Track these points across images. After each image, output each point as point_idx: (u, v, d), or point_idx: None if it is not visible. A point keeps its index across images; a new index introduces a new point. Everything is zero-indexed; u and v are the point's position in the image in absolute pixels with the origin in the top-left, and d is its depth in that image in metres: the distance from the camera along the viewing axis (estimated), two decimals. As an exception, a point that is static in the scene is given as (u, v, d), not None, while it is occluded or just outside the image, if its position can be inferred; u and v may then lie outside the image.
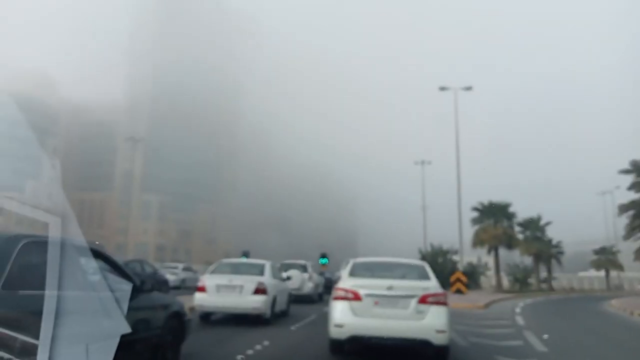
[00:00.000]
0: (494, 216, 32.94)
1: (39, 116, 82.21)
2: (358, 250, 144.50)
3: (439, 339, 6.04)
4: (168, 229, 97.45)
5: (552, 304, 23.52)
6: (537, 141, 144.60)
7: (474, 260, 44.92)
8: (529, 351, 7.61)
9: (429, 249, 37.71)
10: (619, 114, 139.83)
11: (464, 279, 17.80)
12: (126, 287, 2.97)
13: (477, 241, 32.47)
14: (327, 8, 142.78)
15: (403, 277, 6.80)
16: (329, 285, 15.74)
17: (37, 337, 1.84)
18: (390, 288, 6.22)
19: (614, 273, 54.07)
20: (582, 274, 75.78)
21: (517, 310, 17.07)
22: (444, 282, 33.76)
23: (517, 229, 35.73)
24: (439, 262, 36.22)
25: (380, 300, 6.17)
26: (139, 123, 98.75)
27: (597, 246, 59.86)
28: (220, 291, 10.03)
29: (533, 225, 40.72)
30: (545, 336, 9.06)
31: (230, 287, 10.03)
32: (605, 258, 51.68)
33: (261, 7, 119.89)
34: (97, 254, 3.98)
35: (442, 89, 27.19)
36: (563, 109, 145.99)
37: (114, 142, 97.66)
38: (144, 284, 4.94)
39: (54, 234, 1.72)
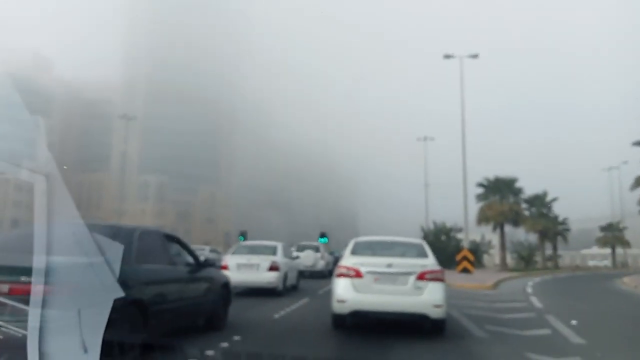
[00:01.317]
0: (499, 192, 31.62)
1: (33, 96, 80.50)
2: (359, 229, 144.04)
3: (436, 313, 6.37)
4: (167, 209, 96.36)
5: (563, 282, 22.38)
6: (541, 116, 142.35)
7: (477, 238, 43.80)
8: (564, 343, 6.34)
9: (431, 227, 36.63)
10: (626, 88, 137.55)
11: (471, 257, 16.42)
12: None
13: (482, 218, 31.20)
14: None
15: (402, 255, 7.09)
16: (337, 263, 16.34)
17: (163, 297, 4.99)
18: (389, 265, 6.55)
19: (619, 250, 53.03)
20: (584, 251, 74.92)
21: (529, 290, 15.88)
22: (448, 260, 32.59)
23: (522, 205, 34.42)
24: (442, 240, 35.14)
25: (380, 277, 6.49)
26: (135, 102, 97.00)
27: (602, 223, 58.92)
28: (241, 269, 11.81)
29: (539, 201, 39.49)
30: (574, 322, 7.82)
31: (249, 265, 11.91)
32: (612, 235, 50.51)
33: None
34: (174, 239, 5.98)
35: (447, 56, 25.61)
36: (569, 85, 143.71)
37: (110, 122, 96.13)
38: (206, 261, 6.82)
39: (39, 193, 1.73)
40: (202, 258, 6.86)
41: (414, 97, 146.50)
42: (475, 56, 25.53)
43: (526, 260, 37.16)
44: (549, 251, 43.39)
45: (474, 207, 33.30)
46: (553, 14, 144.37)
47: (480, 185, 32.16)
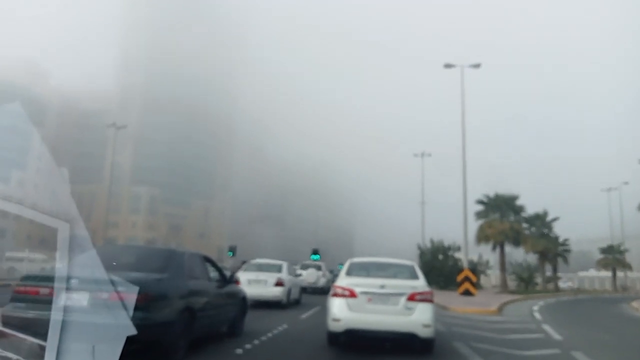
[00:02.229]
0: (500, 210, 30.29)
1: (27, 105, 78.69)
2: (354, 246, 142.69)
3: (425, 332, 6.68)
4: (158, 222, 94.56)
5: (569, 307, 20.94)
6: (537, 133, 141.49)
7: (474, 257, 42.39)
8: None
9: (428, 245, 35.23)
10: (625, 108, 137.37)
11: (473, 278, 14.86)
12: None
13: (482, 237, 29.80)
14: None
15: (394, 276, 7.41)
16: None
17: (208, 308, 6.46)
18: (382, 286, 6.85)
19: (620, 273, 51.59)
20: (582, 273, 73.41)
21: (537, 315, 14.49)
22: (446, 280, 31.15)
23: (523, 224, 33.07)
24: (440, 259, 33.76)
25: (373, 297, 6.81)
26: (129, 113, 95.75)
27: (600, 244, 57.68)
28: (251, 284, 13.19)
29: (539, 221, 38.20)
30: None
31: (257, 281, 13.47)
32: (613, 257, 49.11)
33: (259, 3, 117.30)
34: (208, 259, 7.36)
35: (448, 66, 24.50)
36: (568, 101, 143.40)
37: (104, 133, 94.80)
38: (231, 277, 8.31)
39: (62, 237, 1.89)
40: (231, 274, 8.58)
41: (413, 111, 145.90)
42: (477, 66, 24.45)
43: (526, 282, 35.69)
44: (548, 273, 42.00)
45: (473, 225, 32.00)
46: (553, 32, 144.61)
47: (480, 202, 30.86)
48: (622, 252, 48.88)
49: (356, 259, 8.33)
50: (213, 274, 7.34)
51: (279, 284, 13.53)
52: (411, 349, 6.92)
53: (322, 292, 20.05)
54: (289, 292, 13.92)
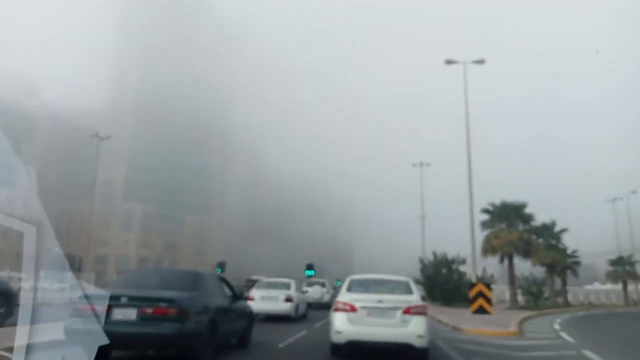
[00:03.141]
0: (507, 219, 28.14)
1: (17, 120, 77.41)
2: (353, 262, 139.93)
3: (419, 343, 7.29)
4: (152, 240, 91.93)
5: (595, 323, 18.76)
6: (541, 145, 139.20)
7: (479, 271, 40.13)
8: None
9: (430, 258, 32.99)
10: (628, 117, 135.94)
11: (488, 293, 12.57)
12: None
13: (488, 248, 27.56)
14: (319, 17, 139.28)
15: (391, 291, 8.01)
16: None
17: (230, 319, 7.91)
18: (380, 301, 7.54)
19: (630, 286, 49.26)
20: (587, 287, 70.84)
21: (567, 336, 12.32)
22: (451, 295, 28.87)
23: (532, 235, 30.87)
24: (443, 273, 31.52)
25: (372, 311, 7.47)
26: (122, 129, 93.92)
27: (606, 257, 55.62)
28: (263, 300, 14.52)
29: (547, 232, 36.04)
30: None
31: (269, 297, 14.69)
32: (623, 269, 46.82)
33: (254, 19, 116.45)
34: (223, 279, 8.46)
35: (449, 62, 22.60)
36: (570, 113, 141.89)
37: (96, 149, 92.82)
38: (242, 295, 9.68)
39: (29, 242, 1.85)
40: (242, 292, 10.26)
41: (413, 121, 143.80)
42: (480, 62, 22.56)
43: (536, 297, 33.41)
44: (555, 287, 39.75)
45: (479, 236, 29.83)
46: (563, 36, 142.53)
47: (485, 211, 28.65)
48: (633, 264, 46.64)
49: (356, 276, 8.92)
50: (227, 291, 8.29)
51: (288, 299, 14.87)
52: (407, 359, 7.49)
53: (327, 307, 20.72)
54: (297, 307, 15.34)
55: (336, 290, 20.65)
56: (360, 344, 7.41)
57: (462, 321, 15.02)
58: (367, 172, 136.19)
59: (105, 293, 6.19)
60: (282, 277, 16.79)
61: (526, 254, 28.14)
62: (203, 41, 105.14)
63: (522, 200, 28.65)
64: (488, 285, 13.09)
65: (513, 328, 13.19)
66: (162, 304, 5.81)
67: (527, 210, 28.63)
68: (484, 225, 28.99)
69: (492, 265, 34.27)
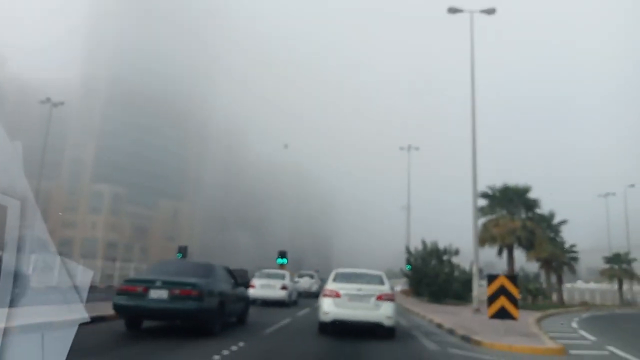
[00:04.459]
0: (508, 205, 24.52)
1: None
2: (334, 254, 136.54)
3: (388, 322, 9.41)
4: (121, 223, 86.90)
5: (614, 324, 15.16)
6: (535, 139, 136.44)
7: (465, 264, 36.55)
8: None
9: (419, 247, 29.17)
10: (619, 117, 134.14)
11: (514, 291, 8.70)
12: None
13: (486, 237, 23.91)
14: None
15: (368, 282, 10.05)
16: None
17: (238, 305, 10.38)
18: (359, 289, 9.63)
19: (625, 286, 46.42)
20: (578, 284, 67.83)
21: (621, 352, 8.54)
22: (440, 291, 25.14)
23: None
24: (432, 265, 27.74)
25: (352, 297, 9.54)
26: (94, 106, 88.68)
27: (594, 255, 53.18)
28: (263, 287, 17.62)
29: (544, 223, 32.59)
30: None
31: (268, 285, 17.74)
32: (619, 267, 43.84)
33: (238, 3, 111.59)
34: (227, 269, 10.24)
35: (453, 11, 18.66)
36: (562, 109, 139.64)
37: (65, 126, 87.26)
38: (243, 283, 11.60)
39: (12, 216, 1.86)
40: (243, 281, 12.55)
41: (401, 99, 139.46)
42: (490, 11, 18.66)
43: (533, 295, 29.99)
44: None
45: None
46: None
47: (484, 195, 24.98)
48: (629, 262, 43.71)
49: (340, 270, 11.04)
50: (230, 279, 10.18)
51: (283, 288, 17.50)
52: (378, 334, 9.50)
53: (315, 296, 22.31)
54: (290, 295, 17.99)
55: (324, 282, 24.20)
56: (343, 322, 9.37)
57: (469, 326, 11.36)
58: (351, 161, 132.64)
59: (143, 277, 8.70)
60: (258, 266, 17.47)
61: (530, 245, 24.43)
62: (184, 20, 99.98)
63: (526, 183, 24.89)
64: (514, 280, 9.14)
65: (551, 343, 9.29)
66: (187, 287, 7.89)
67: (532, 195, 24.90)
68: (482, 211, 25.36)
69: (485, 258, 30.80)
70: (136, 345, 7.52)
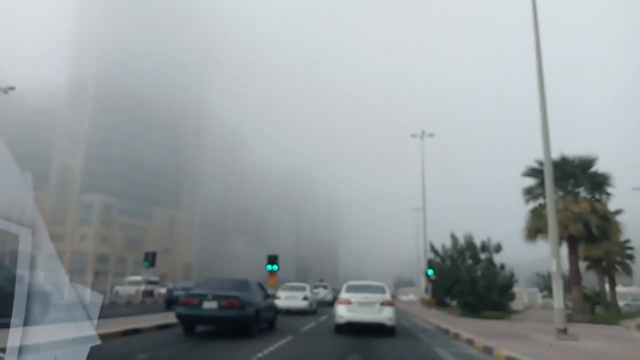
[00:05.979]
0: (566, 183, 18.59)
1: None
2: (340, 263, 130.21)
3: (389, 322, 11.51)
4: (113, 235, 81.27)
5: None
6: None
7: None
8: None
9: (447, 245, 23.07)
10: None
11: None
12: None
13: (538, 227, 17.94)
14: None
15: (373, 292, 12.17)
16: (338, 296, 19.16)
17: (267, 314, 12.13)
18: (366, 298, 11.73)
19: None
20: (630, 289, 60.14)
21: None
22: (476, 302, 15.20)
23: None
24: (466, 267, 21.63)
25: (361, 304, 11.62)
26: (83, 112, 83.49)
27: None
28: (288, 298, 19.43)
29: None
30: None
31: (292, 297, 19.63)
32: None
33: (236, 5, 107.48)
34: (259, 284, 12.18)
35: None
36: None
37: (53, 133, 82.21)
38: (271, 295, 13.64)
39: (24, 244, 1.92)
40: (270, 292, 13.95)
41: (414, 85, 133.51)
42: None
43: (592, 303, 23.87)
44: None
45: (519, 212, 20.23)
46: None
47: (531, 173, 18.96)
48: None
49: (351, 282, 13.13)
50: (262, 292, 11.90)
51: (305, 298, 19.78)
52: (382, 332, 11.43)
53: (330, 305, 24.06)
54: (311, 304, 20.30)
55: (329, 293, 30.35)
56: (354, 323, 11.55)
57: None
58: (356, 166, 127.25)
59: (197, 292, 10.35)
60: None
61: (603, 235, 18.32)
62: (179, 26, 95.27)
63: (590, 154, 18.83)
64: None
65: None
66: (232, 299, 9.78)
67: (598, 169, 18.83)
68: (529, 193, 19.39)
69: (532, 254, 24.84)
70: (199, 345, 8.93)
